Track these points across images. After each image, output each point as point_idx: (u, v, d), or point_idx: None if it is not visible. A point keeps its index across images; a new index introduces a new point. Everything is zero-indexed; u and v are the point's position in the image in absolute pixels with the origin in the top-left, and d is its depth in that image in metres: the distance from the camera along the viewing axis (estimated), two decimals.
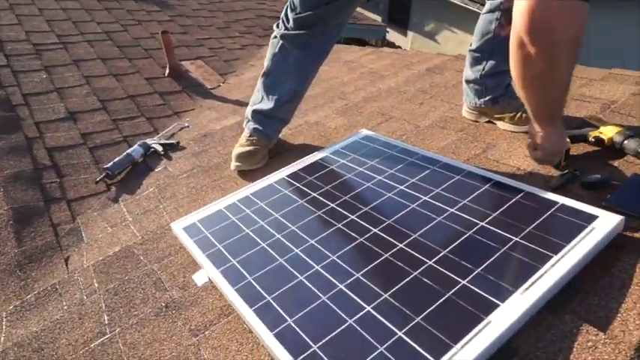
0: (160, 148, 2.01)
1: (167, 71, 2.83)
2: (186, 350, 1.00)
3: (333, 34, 1.56)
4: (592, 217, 1.02)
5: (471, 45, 1.60)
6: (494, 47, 1.52)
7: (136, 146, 1.98)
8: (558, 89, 1.08)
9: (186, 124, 2.29)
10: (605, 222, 0.99)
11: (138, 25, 3.49)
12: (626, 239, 1.00)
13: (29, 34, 2.88)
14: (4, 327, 1.19)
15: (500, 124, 1.62)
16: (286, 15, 1.54)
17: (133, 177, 1.86)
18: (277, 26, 1.60)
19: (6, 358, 1.08)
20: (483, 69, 1.57)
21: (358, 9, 7.06)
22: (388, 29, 7.62)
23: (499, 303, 0.86)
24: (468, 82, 1.65)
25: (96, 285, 1.26)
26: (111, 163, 1.84)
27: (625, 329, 0.80)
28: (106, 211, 1.65)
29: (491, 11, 1.50)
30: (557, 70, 1.01)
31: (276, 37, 1.60)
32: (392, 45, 6.83)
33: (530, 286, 0.88)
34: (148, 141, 2.05)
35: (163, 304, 1.14)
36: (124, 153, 1.92)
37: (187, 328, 1.06)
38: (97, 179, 1.78)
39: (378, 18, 8.53)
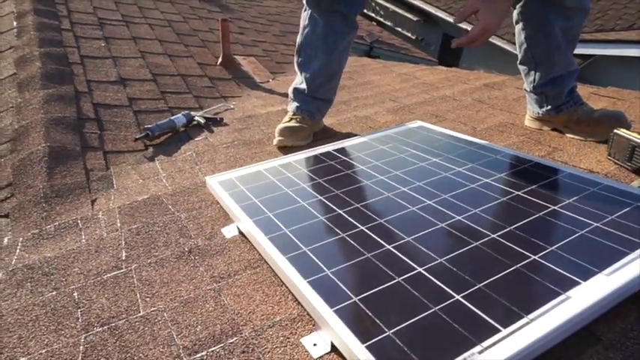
0: (202, 121, 1.97)
1: (220, 60, 2.84)
2: (205, 294, 0.89)
3: (355, 1, 1.50)
4: None
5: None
6: (535, 57, 1.43)
7: (179, 115, 1.94)
8: None
9: (232, 106, 2.26)
10: None
11: (198, 20, 3.57)
12: None
13: (96, 10, 2.98)
14: (17, 250, 1.12)
15: (568, 132, 1.49)
16: None
17: (172, 142, 1.81)
18: None
19: (13, 277, 1.00)
20: (534, 80, 1.48)
21: (411, 46, 7.10)
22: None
23: (580, 281, 0.73)
24: (527, 92, 1.55)
25: (118, 224, 1.19)
26: (153, 124, 1.80)
27: None
28: (140, 166, 1.59)
29: (517, 22, 1.42)
30: None
31: (305, 9, 1.57)
32: None
33: (617, 269, 0.74)
34: (192, 113, 2.01)
35: (186, 249, 1.04)
36: (167, 119, 1.89)
37: (209, 274, 0.96)
38: (137, 137, 1.74)
39: (428, 56, 8.56)
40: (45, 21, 2.48)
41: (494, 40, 6.98)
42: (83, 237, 1.15)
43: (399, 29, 9.67)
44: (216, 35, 3.31)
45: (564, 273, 0.75)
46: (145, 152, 1.71)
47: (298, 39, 1.61)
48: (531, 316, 0.67)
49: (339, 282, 0.78)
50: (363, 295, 0.74)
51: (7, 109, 1.83)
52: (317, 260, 0.85)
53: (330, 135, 1.74)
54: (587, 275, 0.74)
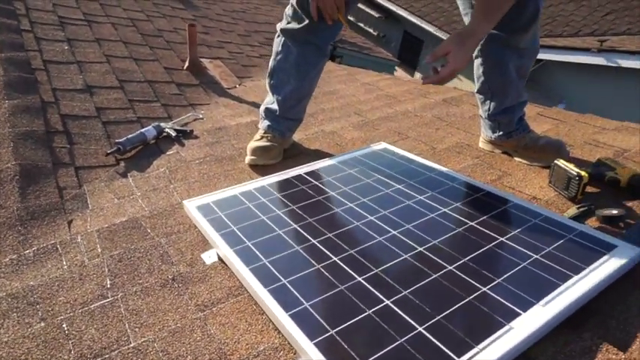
0: (173, 133, 2.00)
1: (186, 64, 2.84)
2: (191, 323, 0.97)
3: (327, 32, 1.58)
4: (611, 246, 1.03)
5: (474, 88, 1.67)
6: (491, 89, 1.58)
7: (149, 127, 1.96)
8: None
9: (201, 116, 2.29)
10: (624, 252, 1.01)
11: (162, 18, 3.52)
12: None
13: (56, 7, 2.89)
14: None
15: (515, 157, 1.65)
16: (288, 8, 1.58)
17: (143, 156, 1.84)
18: (280, 23, 1.64)
19: None
20: (489, 109, 1.62)
21: (373, 45, 7.23)
22: (397, 67, 7.81)
23: (520, 312, 0.86)
24: (481, 117, 1.70)
25: (99, 249, 1.23)
26: (124, 138, 1.82)
27: None
28: (114, 183, 1.62)
29: (476, 57, 1.57)
30: None
31: (279, 35, 1.64)
32: None
33: (551, 299, 0.88)
34: (162, 124, 2.04)
35: (170, 277, 1.11)
36: (138, 131, 1.90)
37: (194, 302, 1.03)
38: (108, 152, 1.75)
39: (389, 56, 8.75)
40: (4, 21, 2.40)
41: None
42: (64, 263, 1.18)
43: (362, 25, 9.79)
44: (181, 36, 3.29)
45: (508, 304, 0.88)
46: (117, 167, 1.73)
47: (271, 63, 1.68)
48: (481, 345, 0.79)
49: (316, 315, 0.88)
50: (339, 328, 0.85)
51: None
52: (296, 293, 0.94)
53: (299, 152, 1.83)
54: (526, 306, 0.87)
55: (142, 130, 1.93)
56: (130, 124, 2.06)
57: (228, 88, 2.81)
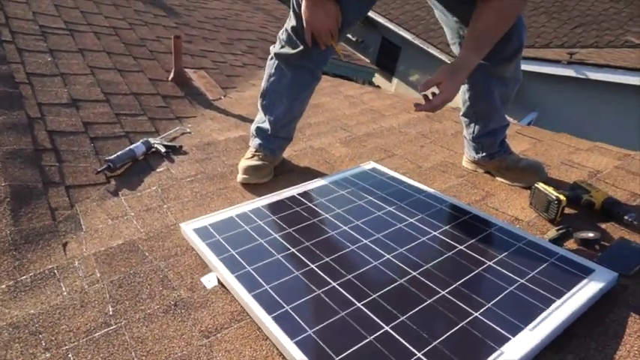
0: (162, 149, 2.01)
1: (171, 75, 2.84)
2: (197, 350, 1.00)
3: (320, 57, 1.63)
4: (589, 270, 1.11)
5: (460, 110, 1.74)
6: (476, 113, 1.67)
7: (138, 143, 1.97)
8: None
9: (189, 130, 2.30)
10: (602, 276, 1.09)
11: (144, 26, 3.50)
12: (617, 293, 1.10)
13: (36, 15, 2.84)
14: None
15: (497, 176, 1.74)
16: (282, 33, 1.63)
17: (133, 173, 1.84)
18: (273, 46, 1.68)
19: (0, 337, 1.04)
20: (473, 131, 1.71)
21: (350, 49, 7.32)
22: (375, 74, 7.92)
23: (510, 336, 0.93)
24: (465, 138, 1.78)
25: (98, 274, 1.24)
26: (114, 155, 1.82)
27: None
28: (106, 202, 1.62)
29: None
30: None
31: (272, 58, 1.68)
32: (378, 88, 7.08)
33: (538, 324, 0.95)
34: (151, 140, 2.04)
35: (172, 302, 1.13)
36: (127, 148, 1.90)
37: (197, 329, 1.06)
38: (99, 170, 1.75)
39: (367, 60, 8.87)
40: None
41: (429, 49, 7.41)
42: (64, 289, 1.19)
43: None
44: (164, 45, 3.28)
45: (498, 329, 0.95)
46: (108, 185, 1.73)
47: (263, 84, 1.71)
48: None
49: (320, 342, 0.93)
50: (342, 355, 0.89)
51: None
52: (299, 320, 0.99)
53: (289, 169, 1.87)
54: (515, 331, 0.94)
55: (131, 146, 1.93)
56: (118, 139, 2.06)
57: (214, 100, 2.82)
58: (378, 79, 8.91)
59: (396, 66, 9.07)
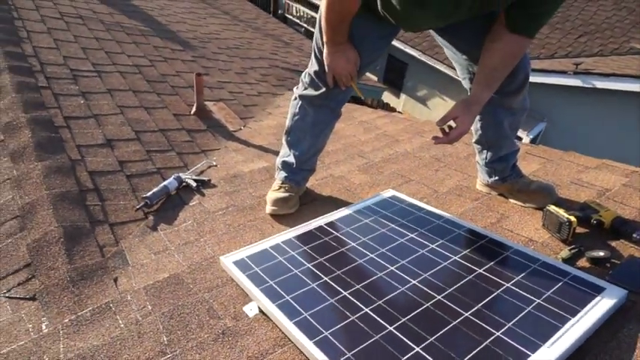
0: (193, 184, 2.15)
1: (194, 109, 3.01)
2: None
3: (341, 97, 1.76)
4: (600, 289, 1.21)
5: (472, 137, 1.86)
6: (487, 141, 1.78)
7: (171, 179, 2.11)
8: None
9: (214, 163, 2.45)
10: (612, 294, 1.19)
11: (164, 62, 3.69)
12: (627, 309, 1.19)
13: (67, 60, 3.04)
14: (61, 338, 1.27)
15: (510, 198, 1.84)
16: (305, 76, 1.77)
17: (168, 208, 1.98)
18: (297, 87, 1.82)
19: None
20: (486, 157, 1.82)
21: None
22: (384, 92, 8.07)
23: (530, 353, 1.03)
24: (478, 164, 1.89)
25: (149, 307, 1.37)
26: (150, 192, 1.96)
27: None
28: (147, 238, 1.76)
29: None
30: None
31: (295, 98, 1.82)
32: (387, 105, 7.22)
33: (555, 341, 1.05)
34: (182, 175, 2.19)
35: (219, 331, 1.25)
36: (161, 184, 2.05)
37: (245, 354, 1.17)
38: (137, 207, 1.89)
39: (375, 78, 9.04)
40: (23, 80, 2.54)
41: (436, 64, 7.55)
42: (120, 322, 1.32)
43: None
44: (184, 80, 3.46)
45: (518, 347, 1.05)
46: (147, 221, 1.87)
47: (288, 122, 1.85)
48: None
49: None
50: None
51: (4, 181, 1.92)
52: (338, 344, 1.10)
53: (313, 198, 1.99)
54: (534, 348, 1.04)
55: (165, 182, 2.07)
56: (151, 175, 2.20)
57: (234, 131, 2.98)
58: (386, 95, 9.06)
59: (403, 82, 9.23)
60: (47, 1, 4.05)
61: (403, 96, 9.28)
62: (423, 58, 7.79)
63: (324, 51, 1.57)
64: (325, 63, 1.59)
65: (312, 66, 1.69)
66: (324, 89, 1.68)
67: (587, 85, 5.91)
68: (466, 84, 1.69)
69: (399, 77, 9.25)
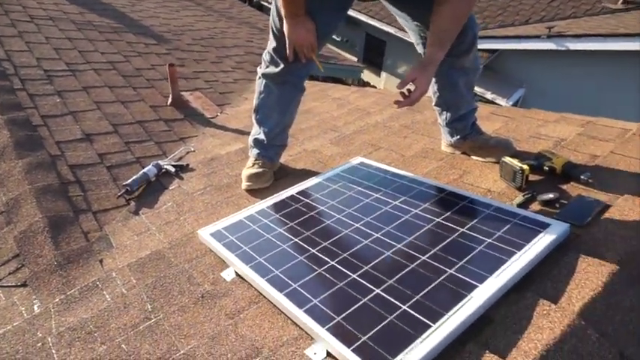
0: (172, 169, 2.23)
1: (170, 100, 3.06)
2: (225, 329, 1.21)
3: (302, 71, 1.83)
4: (545, 225, 1.31)
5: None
6: (445, 102, 1.88)
7: (150, 166, 2.19)
8: None
9: (192, 149, 2.52)
10: (556, 229, 1.29)
11: (138, 57, 3.72)
12: (570, 241, 1.30)
13: (40, 61, 3.07)
14: (52, 315, 1.36)
15: (472, 155, 1.94)
16: (266, 55, 1.83)
17: (149, 194, 2.06)
18: (260, 67, 1.89)
19: (62, 339, 1.25)
20: (446, 118, 1.91)
21: (335, 49, 7.53)
22: (364, 70, 8.12)
23: (477, 284, 1.13)
24: (440, 125, 1.98)
25: (134, 281, 1.46)
26: (130, 180, 2.04)
27: (569, 302, 1.08)
28: (130, 222, 1.84)
29: None
30: None
31: (259, 77, 1.90)
32: (367, 84, 7.30)
33: (501, 272, 1.16)
34: (160, 162, 2.26)
35: (199, 295, 1.35)
36: (141, 172, 2.12)
37: (223, 312, 1.27)
38: (118, 194, 1.97)
39: (354, 58, 9.07)
40: None
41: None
42: (107, 296, 1.41)
43: None
44: (159, 73, 3.51)
45: (468, 280, 1.15)
46: (129, 207, 1.95)
47: (255, 101, 1.93)
48: (450, 312, 1.06)
49: (325, 308, 1.14)
50: (343, 315, 1.10)
51: None
52: (306, 293, 1.20)
53: (287, 173, 2.08)
54: (482, 279, 1.14)
55: (144, 169, 2.15)
56: (131, 165, 2.28)
57: (211, 118, 3.04)
58: (367, 74, 9.11)
59: (382, 60, 9.27)
60: (16, 5, 4.05)
61: (384, 74, 9.33)
62: (400, 34, 7.82)
63: (285, 25, 1.64)
64: (286, 36, 1.66)
65: (271, 43, 1.77)
66: (283, 65, 1.75)
67: (560, 48, 6.00)
68: (420, 49, 1.77)
69: (378, 56, 9.30)
